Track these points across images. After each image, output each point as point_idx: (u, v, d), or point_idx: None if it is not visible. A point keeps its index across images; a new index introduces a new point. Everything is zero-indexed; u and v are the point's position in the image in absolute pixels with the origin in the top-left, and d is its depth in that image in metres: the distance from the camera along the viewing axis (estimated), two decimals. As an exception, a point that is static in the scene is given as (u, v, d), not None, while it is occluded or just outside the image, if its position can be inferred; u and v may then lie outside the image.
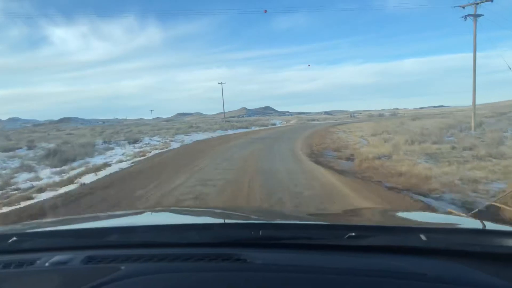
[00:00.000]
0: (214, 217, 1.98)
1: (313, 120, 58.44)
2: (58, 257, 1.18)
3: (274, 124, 49.63)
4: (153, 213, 2.32)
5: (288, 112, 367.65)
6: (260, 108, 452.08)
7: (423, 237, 1.14)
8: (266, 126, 44.82)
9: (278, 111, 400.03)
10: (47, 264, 1.14)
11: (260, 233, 1.26)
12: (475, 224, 1.64)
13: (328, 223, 1.74)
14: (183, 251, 1.21)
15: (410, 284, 0.89)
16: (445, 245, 1.11)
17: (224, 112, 62.19)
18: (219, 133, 32.31)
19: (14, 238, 1.33)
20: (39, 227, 1.73)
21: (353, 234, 1.18)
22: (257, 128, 39.72)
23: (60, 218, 2.34)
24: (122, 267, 1.07)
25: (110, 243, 1.34)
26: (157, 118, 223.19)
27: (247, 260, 1.10)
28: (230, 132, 34.44)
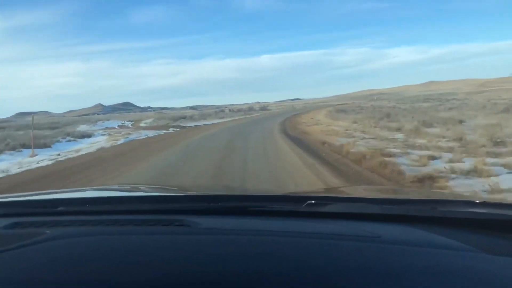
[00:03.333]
0: (159, 191, 1.89)
1: (183, 117, 46.77)
2: None
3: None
4: (96, 190, 2.15)
5: (150, 107, 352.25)
6: (118, 104, 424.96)
7: (380, 205, 1.19)
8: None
9: (139, 107, 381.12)
10: None
11: (207, 204, 1.22)
12: (432, 194, 1.99)
13: (287, 194, 1.70)
14: (122, 217, 1.14)
15: (364, 246, 0.91)
16: (402, 212, 1.14)
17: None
18: None
19: None
20: None
21: (312, 201, 1.18)
22: None
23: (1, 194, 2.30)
24: (48, 232, 0.99)
25: (42, 212, 1.26)
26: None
27: (190, 225, 1.03)
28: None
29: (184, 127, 28.08)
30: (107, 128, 33.11)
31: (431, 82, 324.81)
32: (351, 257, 0.86)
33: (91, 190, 2.17)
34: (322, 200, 1.23)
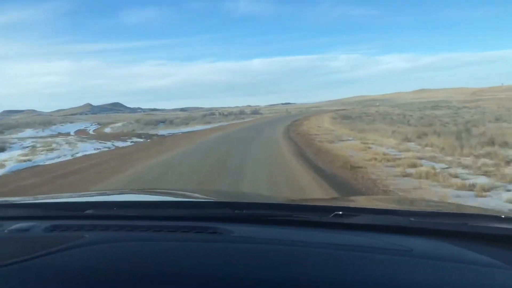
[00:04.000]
0: (191, 197, 1.91)
1: (163, 121, 39.67)
2: (20, 224, 1.12)
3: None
4: (128, 193, 2.17)
5: (140, 108, 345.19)
6: (108, 105, 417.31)
7: (411, 218, 1.15)
8: None
9: (129, 108, 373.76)
10: (6, 231, 1.09)
11: (237, 212, 1.24)
12: (463, 208, 1.80)
13: (313, 204, 1.68)
14: (156, 223, 1.16)
15: (396, 259, 0.90)
16: (432, 226, 1.11)
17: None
18: None
19: None
20: (7, 200, 1.70)
21: (340, 212, 1.16)
22: None
23: (31, 196, 2.41)
24: (87, 235, 1.01)
25: (78, 215, 1.29)
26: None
27: (223, 233, 1.05)
28: None
29: (152, 136, 20.91)
30: (52, 135, 25.35)
31: (423, 90, 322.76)
32: (384, 270, 0.85)
33: (125, 193, 2.15)
34: (349, 211, 1.21)
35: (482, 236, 1.04)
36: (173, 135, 21.83)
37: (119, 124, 40.78)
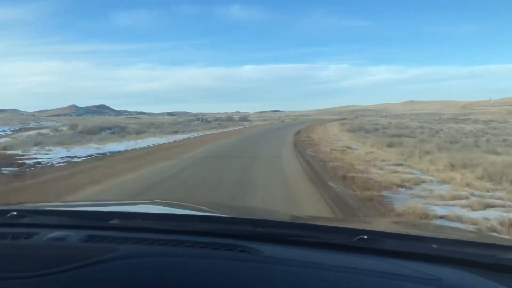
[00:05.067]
0: (220, 211, 1.91)
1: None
2: (56, 233, 1.13)
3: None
4: (153, 205, 2.11)
5: (126, 111, 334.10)
6: (93, 106, 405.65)
7: (436, 245, 1.13)
8: None
9: (115, 110, 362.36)
10: (44, 239, 1.10)
11: (265, 230, 1.25)
12: (490, 238, 1.83)
13: (338, 225, 1.66)
14: (186, 238, 1.16)
15: None
16: (460, 255, 1.09)
17: None
18: None
19: (14, 213, 1.34)
20: (41, 206, 1.74)
21: (365, 236, 1.14)
22: None
23: (62, 202, 2.48)
24: (121, 248, 1.04)
25: (112, 226, 1.30)
26: None
27: (252, 252, 1.05)
28: None
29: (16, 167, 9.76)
30: None
31: (412, 101, 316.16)
32: None
33: (151, 204, 2.08)
34: (374, 235, 1.19)
35: (510, 269, 1.01)
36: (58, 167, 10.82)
37: (45, 130, 28.90)
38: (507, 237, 3.63)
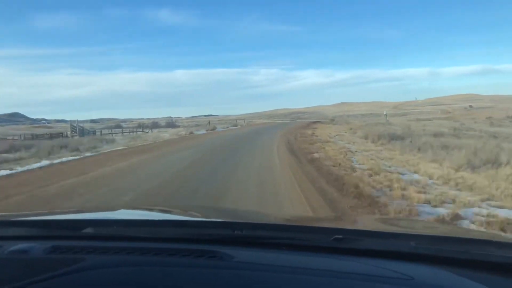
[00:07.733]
0: (191, 215, 1.87)
1: None
2: (20, 245, 1.10)
3: None
4: (126, 210, 2.16)
5: (44, 120, 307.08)
6: (4, 115, 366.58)
7: (412, 243, 1.12)
8: None
9: (31, 119, 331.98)
10: (5, 252, 1.07)
11: (238, 232, 1.21)
12: (466, 233, 1.79)
13: (313, 225, 1.65)
14: (154, 245, 1.13)
15: None
16: (434, 252, 1.09)
17: None
18: None
19: None
20: (5, 217, 1.66)
21: (340, 236, 1.13)
22: None
23: (30, 211, 2.39)
24: (87, 258, 1.01)
25: (78, 235, 1.25)
26: None
27: (222, 257, 1.03)
28: None
29: None
30: None
31: (343, 103, 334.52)
32: None
33: (123, 210, 2.07)
34: (350, 234, 1.19)
35: (484, 264, 1.01)
36: None
37: None
38: (487, 231, 3.62)
